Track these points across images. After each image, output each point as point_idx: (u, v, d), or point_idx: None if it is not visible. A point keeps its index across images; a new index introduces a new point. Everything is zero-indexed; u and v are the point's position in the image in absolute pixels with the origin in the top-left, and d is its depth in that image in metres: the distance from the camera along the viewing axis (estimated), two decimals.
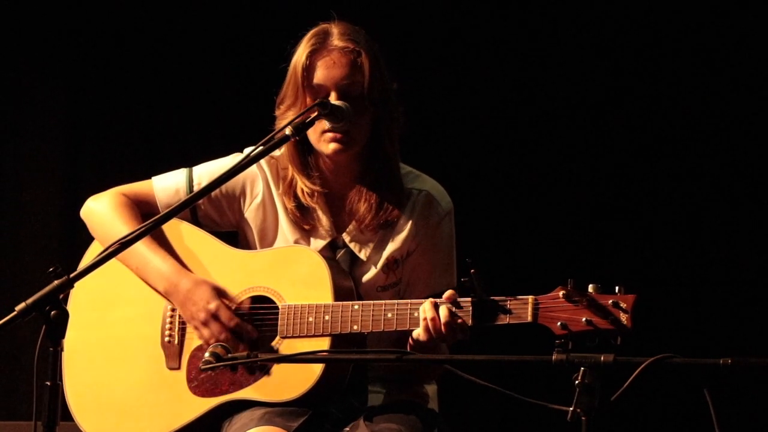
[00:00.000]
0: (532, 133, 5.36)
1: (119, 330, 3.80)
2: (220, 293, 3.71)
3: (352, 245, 3.78)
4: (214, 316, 3.68)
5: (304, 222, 3.79)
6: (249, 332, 3.67)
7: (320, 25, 3.76)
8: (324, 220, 3.79)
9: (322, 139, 3.68)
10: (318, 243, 3.78)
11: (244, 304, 3.73)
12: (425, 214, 3.80)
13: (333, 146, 3.68)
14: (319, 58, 3.69)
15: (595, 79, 5.30)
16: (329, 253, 3.78)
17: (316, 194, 3.78)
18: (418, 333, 3.52)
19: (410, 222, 3.79)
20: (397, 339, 3.73)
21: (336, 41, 3.70)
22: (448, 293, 3.51)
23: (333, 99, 3.65)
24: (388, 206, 3.77)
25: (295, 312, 3.64)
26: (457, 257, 3.84)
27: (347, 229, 3.79)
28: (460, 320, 3.47)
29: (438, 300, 3.51)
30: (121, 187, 3.89)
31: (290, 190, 3.80)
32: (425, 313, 3.49)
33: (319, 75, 3.69)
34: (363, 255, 3.78)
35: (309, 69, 3.68)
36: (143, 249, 3.75)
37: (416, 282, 3.80)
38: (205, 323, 3.68)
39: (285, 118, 3.72)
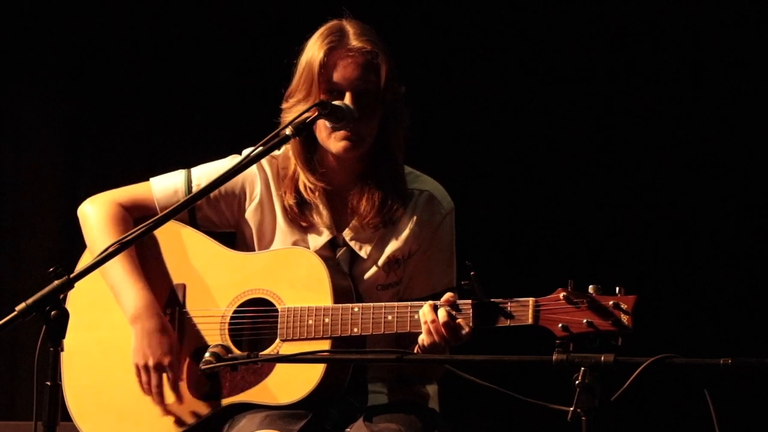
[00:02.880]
0: (532, 134, 5.36)
1: (118, 332, 3.79)
2: (177, 354, 3.70)
3: (352, 243, 3.78)
4: (159, 367, 3.68)
5: (302, 219, 3.79)
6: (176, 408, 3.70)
7: (333, 22, 3.76)
8: (324, 216, 3.78)
9: (332, 138, 3.68)
10: (317, 241, 3.78)
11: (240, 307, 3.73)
12: (427, 215, 3.80)
13: (342, 144, 3.68)
14: (337, 56, 3.69)
15: (596, 80, 5.30)
16: (329, 251, 3.78)
17: (318, 190, 3.78)
18: (422, 338, 3.52)
19: (412, 222, 3.79)
20: (397, 339, 3.72)
21: (354, 41, 3.70)
22: (447, 296, 3.51)
23: (347, 98, 3.65)
24: (391, 205, 3.77)
25: (295, 315, 3.64)
26: (458, 259, 3.84)
27: (348, 227, 3.79)
28: (459, 320, 3.47)
29: (437, 302, 3.51)
30: (118, 192, 3.87)
31: (292, 185, 3.80)
32: (425, 317, 3.49)
33: (337, 74, 3.68)
34: (363, 253, 3.78)
35: (326, 66, 3.68)
36: (123, 272, 3.73)
37: (417, 282, 3.80)
38: (151, 369, 3.68)
39: (293, 111, 3.71)
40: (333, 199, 3.81)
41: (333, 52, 3.68)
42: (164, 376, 3.69)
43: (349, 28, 3.73)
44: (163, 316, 3.73)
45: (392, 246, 3.78)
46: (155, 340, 3.69)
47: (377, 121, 3.71)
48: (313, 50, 3.71)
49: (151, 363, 3.68)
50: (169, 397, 3.71)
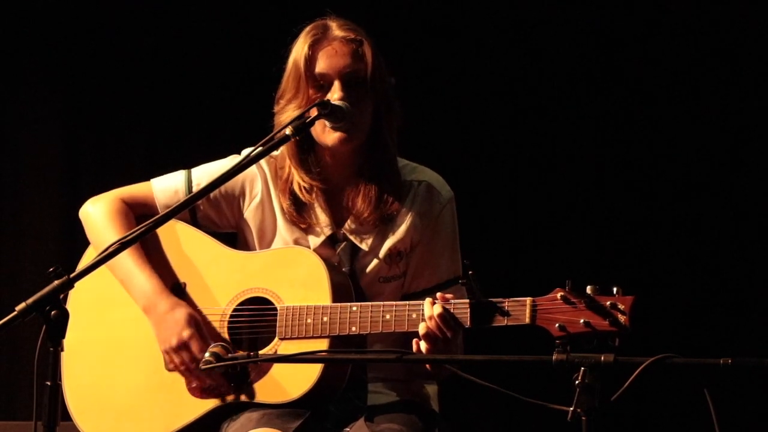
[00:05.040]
0: (531, 133, 5.36)
1: (118, 331, 3.80)
2: (196, 322, 3.69)
3: (352, 237, 3.78)
4: (185, 345, 3.67)
5: (300, 221, 3.79)
6: (214, 378, 3.66)
7: (316, 21, 3.77)
8: (322, 216, 3.79)
9: (326, 131, 3.68)
10: (317, 238, 3.78)
11: (238, 306, 3.73)
12: (426, 205, 3.80)
13: (337, 135, 3.68)
14: (321, 48, 3.70)
15: (595, 79, 5.30)
16: (329, 247, 3.77)
17: (314, 190, 3.78)
18: (423, 346, 3.50)
19: (411, 214, 3.79)
20: (398, 338, 3.72)
21: (337, 31, 3.72)
22: (440, 296, 3.50)
23: (336, 86, 3.66)
24: (388, 199, 3.77)
25: (294, 313, 3.64)
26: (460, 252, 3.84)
27: (346, 224, 3.79)
28: (455, 310, 3.46)
29: (434, 299, 3.50)
30: (119, 191, 3.88)
31: (287, 187, 3.80)
32: (427, 312, 3.48)
33: (322, 64, 3.69)
34: (364, 245, 3.78)
35: (311, 59, 3.69)
36: (130, 262, 3.74)
37: (422, 273, 3.80)
38: (175, 350, 3.68)
39: (285, 112, 3.72)
40: (330, 197, 3.81)
41: (317, 44, 3.71)
42: (191, 352, 3.67)
43: (332, 23, 3.76)
44: (173, 296, 3.73)
45: (393, 238, 3.78)
46: (172, 318, 3.69)
47: (369, 110, 3.72)
48: (298, 47, 3.73)
49: (174, 342, 3.68)
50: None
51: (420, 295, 3.74)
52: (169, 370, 3.70)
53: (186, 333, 3.67)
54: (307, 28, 3.75)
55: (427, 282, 3.79)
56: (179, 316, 3.69)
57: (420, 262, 3.80)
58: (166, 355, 3.70)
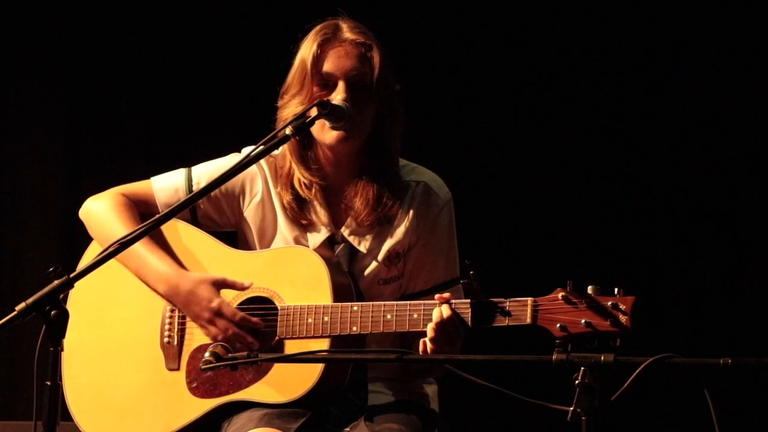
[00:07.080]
0: (532, 133, 5.36)
1: (118, 331, 3.80)
2: (221, 286, 3.70)
3: (351, 239, 3.78)
4: (218, 313, 3.67)
5: (301, 217, 3.79)
6: (255, 324, 3.67)
7: (328, 20, 3.78)
8: (322, 214, 3.79)
9: (325, 129, 3.69)
10: (316, 239, 3.78)
11: (239, 305, 3.73)
12: (424, 206, 3.80)
13: (336, 134, 3.68)
14: (330, 48, 3.71)
15: (596, 79, 5.30)
16: (328, 248, 3.78)
17: (314, 187, 3.78)
18: (427, 340, 3.51)
19: (409, 215, 3.79)
20: (396, 337, 3.72)
21: (347, 34, 3.73)
22: (439, 297, 3.50)
23: (340, 87, 3.67)
24: (386, 202, 3.77)
25: (294, 313, 3.64)
26: (459, 253, 3.84)
27: (345, 224, 3.79)
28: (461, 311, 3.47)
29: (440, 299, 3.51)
30: (120, 188, 3.89)
31: (288, 182, 3.80)
32: (435, 316, 3.48)
33: (329, 64, 3.70)
34: (363, 248, 3.78)
35: (319, 58, 3.70)
36: (142, 250, 3.74)
37: (418, 274, 3.81)
38: (210, 321, 3.68)
39: (288, 107, 3.73)
40: (329, 196, 3.81)
41: (326, 44, 3.71)
42: (224, 317, 3.67)
43: (343, 24, 3.76)
44: (190, 273, 3.73)
45: (391, 240, 3.78)
46: (197, 294, 3.69)
47: (371, 113, 3.72)
48: (307, 45, 3.74)
49: (206, 315, 3.68)
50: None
51: (417, 297, 3.74)
52: (214, 339, 3.68)
53: (214, 303, 3.68)
54: (318, 27, 3.76)
55: (425, 283, 3.79)
56: (204, 290, 3.69)
57: (417, 263, 3.80)
58: (204, 329, 3.70)
